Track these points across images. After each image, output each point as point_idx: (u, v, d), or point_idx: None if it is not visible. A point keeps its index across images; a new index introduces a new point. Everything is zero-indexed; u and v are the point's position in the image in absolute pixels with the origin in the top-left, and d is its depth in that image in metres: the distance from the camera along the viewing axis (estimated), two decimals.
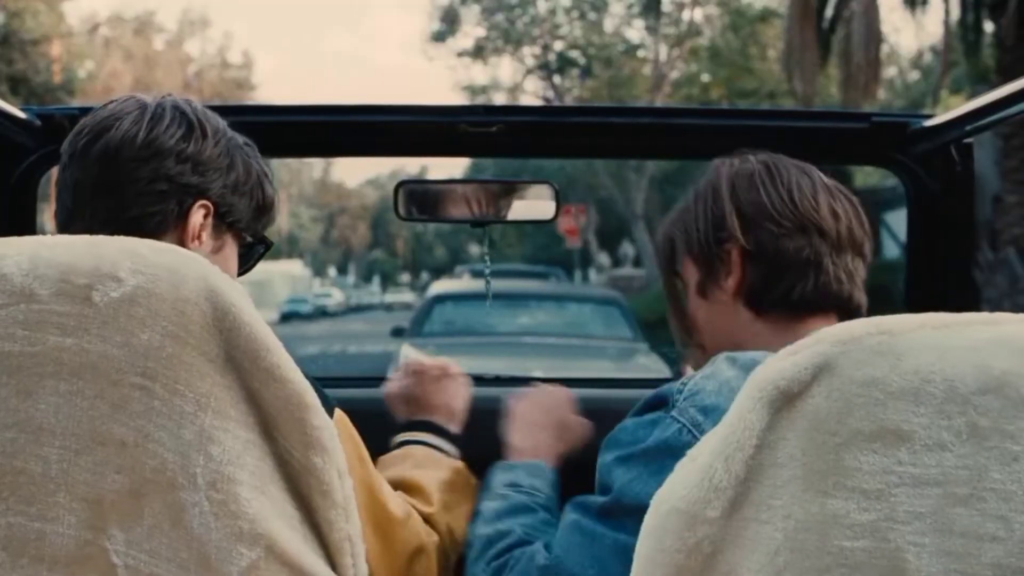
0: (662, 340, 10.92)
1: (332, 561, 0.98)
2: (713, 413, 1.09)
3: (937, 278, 1.90)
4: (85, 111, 1.44)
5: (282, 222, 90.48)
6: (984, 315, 0.94)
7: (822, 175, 1.28)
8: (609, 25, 22.05)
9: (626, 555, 0.92)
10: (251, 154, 1.25)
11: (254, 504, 0.92)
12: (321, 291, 65.87)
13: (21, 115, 1.60)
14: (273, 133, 1.65)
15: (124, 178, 1.12)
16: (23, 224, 1.71)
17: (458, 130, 1.80)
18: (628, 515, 1.07)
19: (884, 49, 17.46)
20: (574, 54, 21.19)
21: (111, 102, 1.20)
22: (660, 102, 20.31)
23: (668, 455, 1.03)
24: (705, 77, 24.83)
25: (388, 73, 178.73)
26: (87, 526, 0.90)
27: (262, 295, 57.05)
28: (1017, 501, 0.81)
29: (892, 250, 14.08)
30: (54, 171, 1.56)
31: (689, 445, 0.94)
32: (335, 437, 0.97)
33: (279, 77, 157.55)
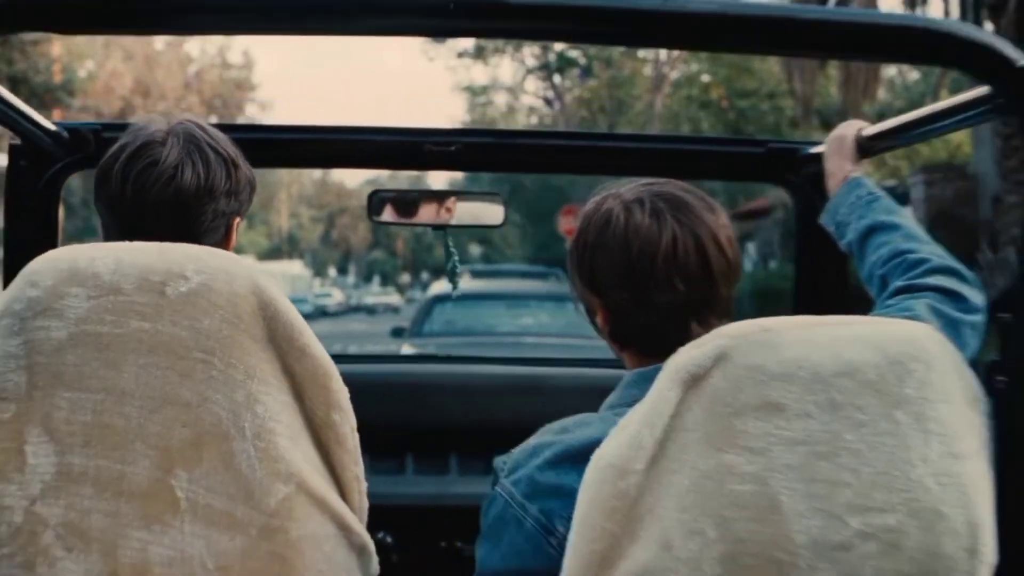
0: None
1: (343, 496, 1.25)
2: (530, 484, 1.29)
3: (819, 281, 2.25)
4: (108, 126, 1.98)
5: (282, 222, 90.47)
6: (842, 317, 1.22)
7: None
8: None
9: None
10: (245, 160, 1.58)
11: (288, 451, 1.18)
12: (321, 291, 65.87)
13: (52, 127, 1.88)
14: (269, 147, 1.98)
15: (189, 216, 1.47)
16: (47, 221, 2.02)
17: (423, 149, 2.16)
18: None
19: None
20: (574, 54, 21.19)
21: (153, 138, 1.49)
22: (660, 102, 20.31)
23: (503, 526, 1.27)
24: (705, 78, 24.85)
25: (389, 73, 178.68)
26: (158, 468, 1.15)
27: None
28: (864, 456, 1.10)
29: None
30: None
31: (516, 516, 1.26)
32: (348, 399, 1.23)
33: (279, 77, 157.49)
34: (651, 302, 1.33)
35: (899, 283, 1.57)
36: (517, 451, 1.34)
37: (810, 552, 1.07)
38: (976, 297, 1.54)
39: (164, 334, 1.17)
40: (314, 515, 1.22)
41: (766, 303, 11.91)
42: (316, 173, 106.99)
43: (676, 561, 1.08)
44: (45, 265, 1.21)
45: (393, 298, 65.26)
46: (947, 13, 12.77)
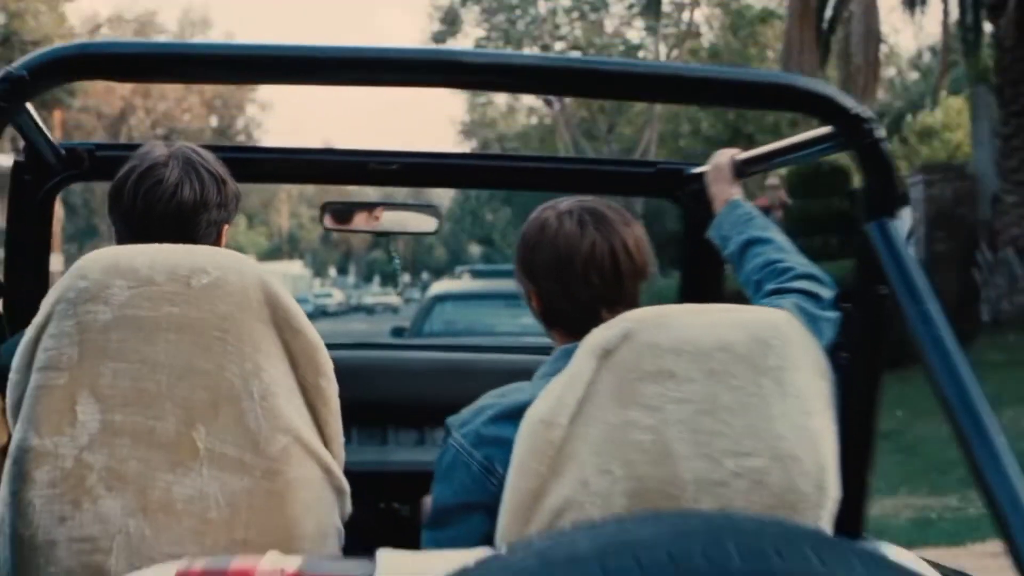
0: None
1: (327, 446, 1.54)
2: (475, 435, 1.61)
3: (702, 281, 2.59)
4: (101, 146, 2.28)
5: (283, 222, 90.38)
6: (721, 306, 1.52)
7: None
8: (609, 26, 22.07)
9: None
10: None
11: (286, 410, 1.48)
12: (321, 291, 65.83)
13: (55, 143, 2.11)
14: (247, 165, 2.23)
15: (188, 224, 1.77)
16: (43, 226, 2.30)
17: (368, 168, 2.49)
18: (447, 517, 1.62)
19: (883, 50, 17.50)
20: (574, 55, 21.24)
21: (157, 161, 1.79)
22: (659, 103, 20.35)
23: (454, 469, 1.60)
24: None
25: None
26: (182, 423, 1.45)
27: None
28: (736, 413, 1.41)
29: None
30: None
31: (464, 461, 1.58)
32: (333, 370, 1.53)
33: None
34: (572, 293, 1.66)
35: (770, 286, 1.85)
36: (466, 411, 1.65)
37: (695, 488, 1.37)
38: (830, 296, 1.84)
39: (189, 317, 1.46)
40: (305, 461, 1.52)
41: None
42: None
43: (591, 495, 1.38)
44: (92, 262, 1.50)
45: (392, 298, 65.21)
46: (946, 14, 12.79)
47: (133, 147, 1.92)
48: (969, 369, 1.55)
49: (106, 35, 39.16)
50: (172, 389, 1.46)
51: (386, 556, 1.28)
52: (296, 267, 75.87)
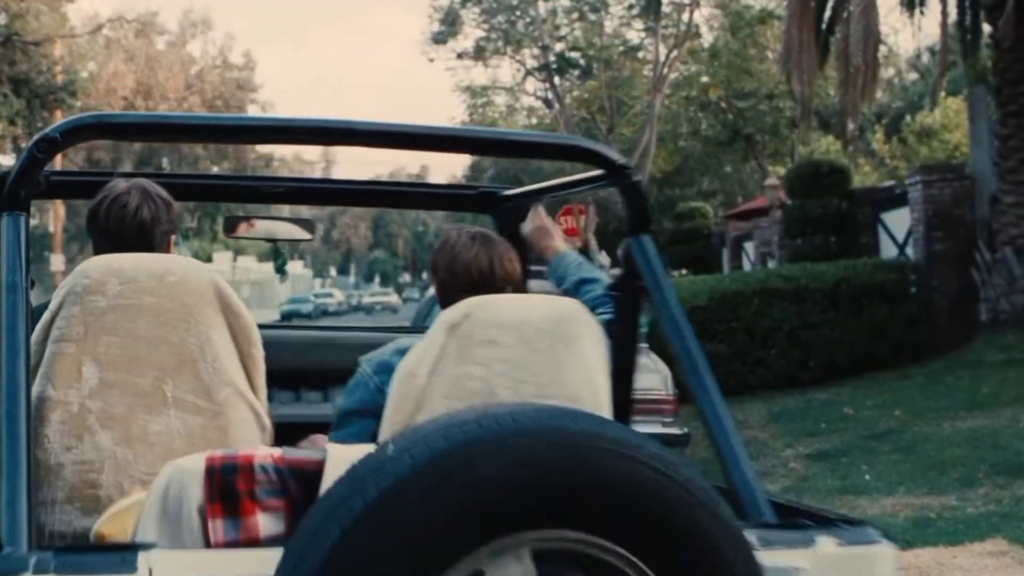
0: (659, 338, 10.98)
1: (256, 396, 2.17)
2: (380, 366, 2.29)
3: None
4: (55, 173, 2.75)
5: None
6: (533, 295, 2.20)
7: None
8: (609, 26, 22.08)
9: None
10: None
11: (230, 369, 2.11)
12: (322, 291, 65.79)
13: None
14: (183, 190, 2.81)
15: (147, 235, 2.32)
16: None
17: (260, 190, 3.36)
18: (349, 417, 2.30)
19: (882, 50, 17.51)
20: (574, 55, 21.22)
21: (121, 190, 2.34)
22: (659, 103, 20.33)
23: (356, 387, 2.30)
24: (704, 79, 24.88)
25: (390, 74, 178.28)
26: (156, 379, 2.07)
27: (263, 295, 57.05)
28: (540, 367, 2.05)
29: (890, 250, 14.13)
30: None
31: (365, 381, 2.27)
32: (261, 341, 2.17)
33: (281, 78, 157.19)
34: (460, 287, 2.30)
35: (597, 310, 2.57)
36: (375, 352, 2.33)
37: None
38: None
39: (162, 304, 2.09)
40: (241, 406, 2.16)
41: (764, 302, 11.94)
42: (317, 173, 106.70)
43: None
44: (92, 265, 2.12)
45: (391, 298, 65.10)
46: (945, 15, 12.81)
47: (79, 173, 2.61)
48: (698, 343, 2.29)
49: (107, 36, 39.16)
50: (149, 355, 2.09)
51: (332, 447, 1.88)
52: (297, 267, 75.86)
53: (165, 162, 43.06)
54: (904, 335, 12.02)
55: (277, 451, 1.84)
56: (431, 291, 9.66)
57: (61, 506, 2.02)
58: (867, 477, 7.21)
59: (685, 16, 20.11)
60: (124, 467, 2.06)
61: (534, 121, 31.31)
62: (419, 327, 3.68)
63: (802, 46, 13.05)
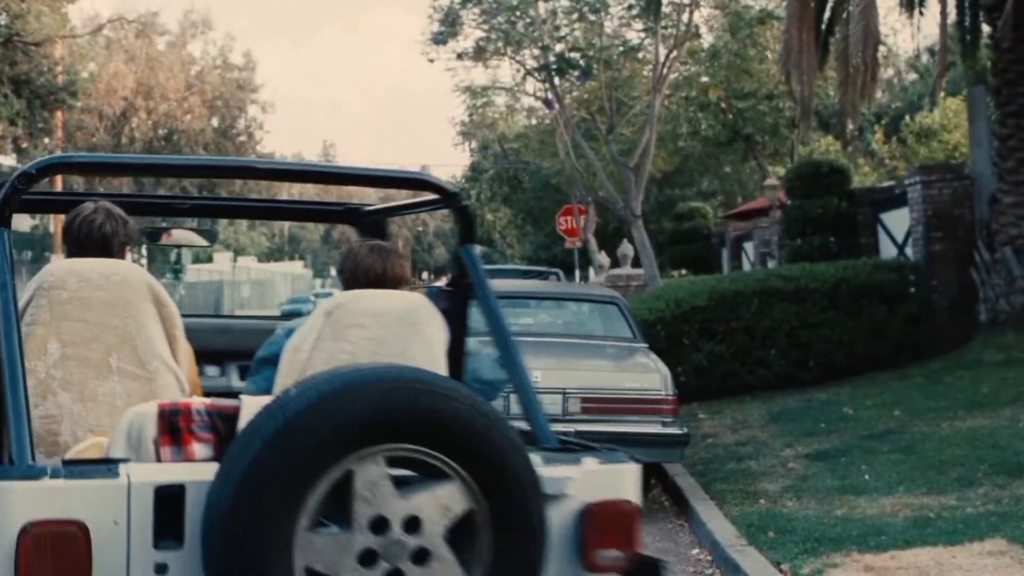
0: (658, 338, 11.01)
1: (179, 367, 2.91)
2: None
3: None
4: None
5: (283, 223, 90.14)
6: (394, 292, 2.99)
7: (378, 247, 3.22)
8: (609, 27, 22.06)
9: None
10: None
11: (159, 346, 2.88)
12: (322, 292, 65.71)
13: None
14: (129, 207, 3.31)
15: (109, 245, 3.00)
16: None
17: (172, 206, 4.31)
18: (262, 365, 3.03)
19: (882, 51, 17.51)
20: (574, 55, 21.21)
21: (90, 210, 3.07)
22: (659, 103, 20.33)
23: (270, 344, 3.02)
24: (704, 79, 24.86)
25: (390, 74, 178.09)
26: (104, 353, 2.82)
27: (263, 295, 57.07)
28: (394, 345, 2.81)
29: (889, 250, 14.15)
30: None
31: (275, 340, 3.02)
32: (183, 327, 2.95)
33: (281, 78, 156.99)
34: (359, 285, 3.02)
35: None
36: (292, 321, 3.11)
37: None
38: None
39: (110, 298, 2.84)
40: (168, 374, 2.90)
41: (764, 302, 11.95)
42: None
43: None
44: (57, 267, 2.90)
45: None
46: (944, 15, 12.82)
47: (55, 193, 3.68)
48: (504, 322, 3.04)
49: (107, 36, 39.14)
50: (99, 335, 2.83)
51: (244, 398, 2.62)
52: (297, 267, 75.88)
53: None
54: (904, 335, 12.03)
55: (208, 400, 2.66)
56: (432, 289, 9.69)
57: None
58: (866, 477, 7.23)
59: (685, 17, 20.09)
60: (79, 420, 2.79)
61: (534, 121, 31.33)
62: (271, 316, 6.02)
63: (802, 46, 13.05)
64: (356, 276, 3.02)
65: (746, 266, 21.64)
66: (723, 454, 8.73)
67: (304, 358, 2.77)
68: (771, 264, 17.93)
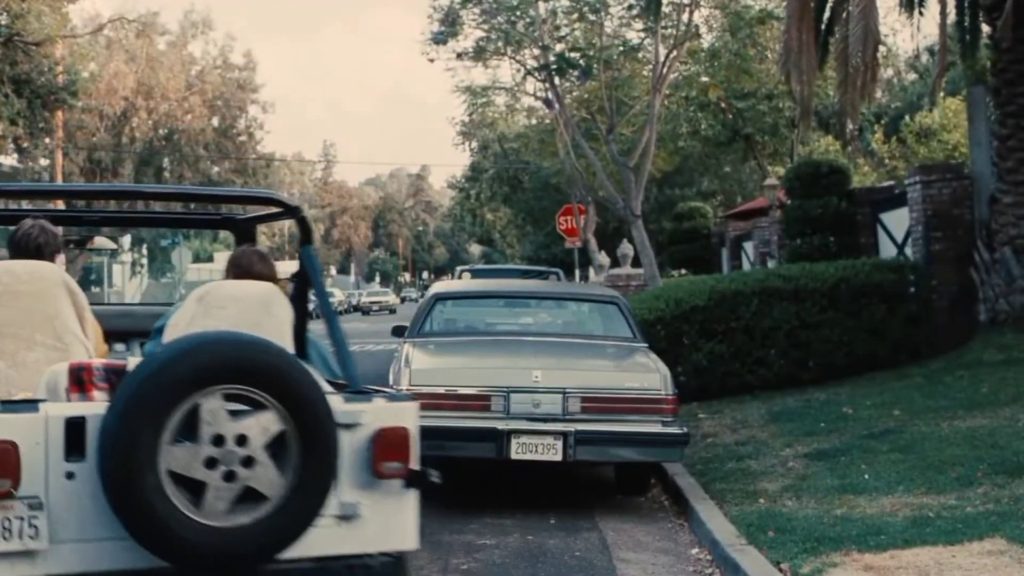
0: (658, 338, 11.02)
1: (88, 341, 3.95)
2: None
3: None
4: None
5: (283, 222, 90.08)
6: (251, 282, 4.15)
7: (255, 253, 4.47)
8: (609, 27, 22.05)
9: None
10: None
11: (72, 324, 3.89)
12: None
13: None
14: (56, 220, 4.48)
15: (42, 253, 4.02)
16: None
17: (83, 217, 6.13)
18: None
19: (881, 51, 17.51)
20: (574, 55, 21.21)
21: (28, 226, 4.08)
22: (659, 103, 20.33)
23: (166, 316, 4.21)
24: (704, 79, 24.87)
25: (390, 74, 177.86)
26: (30, 331, 3.81)
27: None
28: (249, 324, 3.76)
29: (889, 250, 14.16)
30: None
31: (170, 315, 4.19)
32: (91, 310, 4.01)
33: (281, 78, 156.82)
34: (235, 274, 4.22)
35: None
36: (175, 305, 4.40)
37: None
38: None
39: (36, 289, 3.80)
40: (79, 346, 3.86)
41: (764, 302, 11.95)
42: (317, 172, 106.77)
43: None
44: None
45: (389, 298, 64.72)
46: (944, 16, 12.83)
47: (5, 211, 5.36)
48: (332, 307, 4.12)
49: (108, 36, 39.13)
50: (27, 318, 3.74)
51: (130, 359, 3.60)
52: (296, 266, 75.64)
53: (166, 162, 43.08)
54: (903, 335, 12.04)
55: (105, 360, 3.69)
56: (432, 290, 9.71)
57: None
58: (866, 476, 7.24)
59: (685, 16, 20.09)
60: (12, 381, 3.70)
61: (534, 121, 31.33)
62: (159, 302, 8.07)
63: (801, 46, 13.06)
64: (235, 269, 4.27)
65: (746, 266, 21.64)
66: (723, 454, 8.74)
67: (180, 332, 3.71)
68: (771, 264, 17.94)
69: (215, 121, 44.64)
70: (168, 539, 3.19)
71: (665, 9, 19.25)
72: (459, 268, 21.91)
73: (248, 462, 3.26)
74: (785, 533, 5.99)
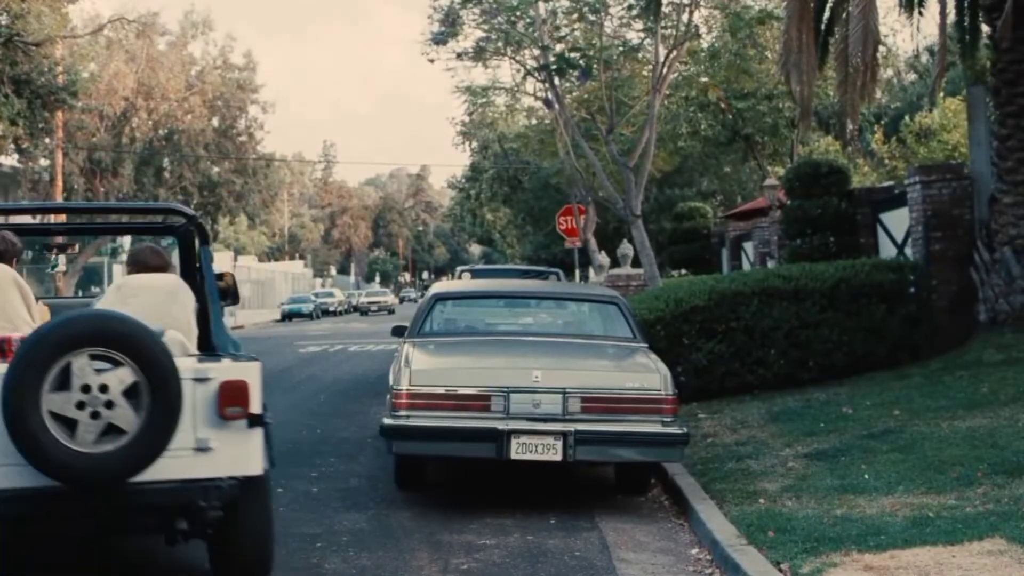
0: (658, 338, 11.02)
1: (34, 320, 5.42)
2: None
3: (187, 271, 6.50)
4: None
5: (284, 222, 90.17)
6: (159, 275, 5.60)
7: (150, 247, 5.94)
8: (609, 27, 22.03)
9: None
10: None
11: (20, 309, 5.39)
12: (323, 291, 65.66)
13: None
14: (21, 231, 6.18)
15: (5, 259, 5.58)
16: None
17: (51, 228, 8.78)
18: None
19: (881, 51, 17.51)
20: (574, 55, 21.19)
21: None
22: (659, 103, 20.33)
23: (101, 296, 5.94)
24: (704, 79, 24.87)
25: (390, 74, 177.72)
26: None
27: (264, 294, 57.03)
28: (157, 308, 5.27)
29: (889, 250, 14.16)
30: None
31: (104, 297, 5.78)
32: (35, 300, 5.58)
33: (281, 78, 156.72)
34: (137, 268, 5.62)
35: None
36: (99, 296, 6.33)
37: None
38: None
39: None
40: (27, 328, 5.06)
41: (763, 302, 11.95)
42: (317, 172, 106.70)
43: None
44: None
45: (388, 298, 64.70)
46: (943, 16, 12.84)
47: None
48: (218, 296, 5.89)
49: (108, 37, 39.13)
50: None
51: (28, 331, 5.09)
52: (297, 267, 75.85)
53: (165, 162, 43.09)
54: (903, 335, 12.04)
55: (21, 333, 4.84)
56: (432, 290, 9.71)
57: None
58: (866, 476, 7.24)
59: (685, 17, 20.09)
60: None
61: (534, 121, 31.32)
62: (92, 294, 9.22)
63: (801, 47, 13.06)
64: (136, 264, 5.59)
65: (746, 266, 21.64)
66: (723, 454, 8.74)
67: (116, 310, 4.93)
68: (771, 264, 17.95)
69: (215, 121, 44.64)
70: (51, 462, 4.41)
71: (665, 9, 19.24)
72: (459, 268, 21.89)
73: (109, 405, 4.48)
74: (785, 533, 5.99)
